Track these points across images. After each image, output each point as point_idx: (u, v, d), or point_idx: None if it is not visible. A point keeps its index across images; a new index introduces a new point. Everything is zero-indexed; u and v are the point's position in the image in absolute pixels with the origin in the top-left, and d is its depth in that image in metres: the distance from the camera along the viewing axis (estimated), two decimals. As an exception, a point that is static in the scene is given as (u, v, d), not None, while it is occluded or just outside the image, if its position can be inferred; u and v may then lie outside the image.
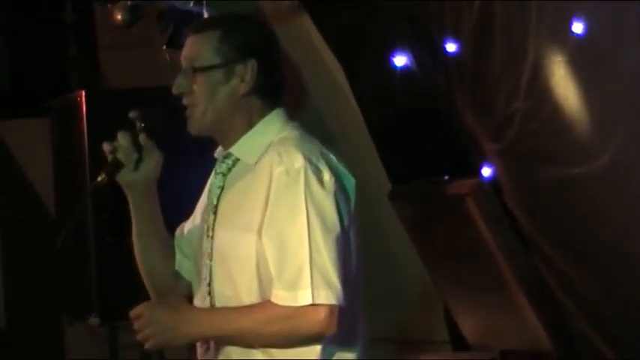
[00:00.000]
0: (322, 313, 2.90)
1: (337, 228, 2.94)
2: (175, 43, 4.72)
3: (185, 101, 3.08)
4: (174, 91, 3.08)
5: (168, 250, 3.24)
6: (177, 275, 3.24)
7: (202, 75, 3.06)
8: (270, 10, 5.18)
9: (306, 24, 5.08)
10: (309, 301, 2.89)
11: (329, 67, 5.14)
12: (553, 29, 4.11)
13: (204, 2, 4.69)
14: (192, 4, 4.71)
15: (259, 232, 2.97)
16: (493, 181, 4.49)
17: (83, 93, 4.60)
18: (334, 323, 2.91)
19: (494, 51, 4.29)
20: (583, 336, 4.37)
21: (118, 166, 3.11)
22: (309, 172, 2.94)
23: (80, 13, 5.48)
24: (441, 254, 4.85)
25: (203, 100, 3.06)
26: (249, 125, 3.08)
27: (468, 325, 4.90)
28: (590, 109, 4.08)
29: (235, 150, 3.08)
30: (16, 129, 6.42)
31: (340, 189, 2.98)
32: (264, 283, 2.98)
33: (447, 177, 4.66)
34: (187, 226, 3.26)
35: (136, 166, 3.11)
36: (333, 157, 3.03)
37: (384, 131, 5.02)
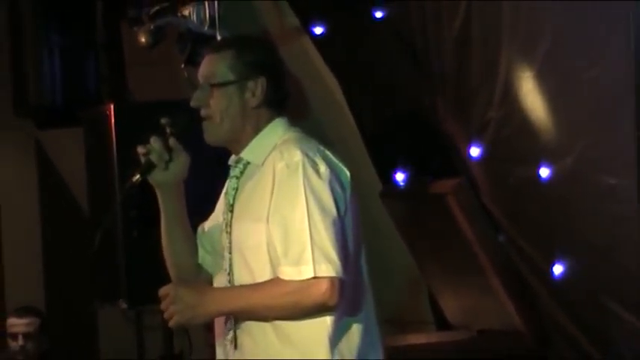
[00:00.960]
0: (324, 285, 2.92)
1: (334, 212, 2.97)
2: (193, 62, 4.73)
3: (202, 113, 3.13)
4: (193, 104, 3.13)
5: (193, 245, 3.26)
6: (199, 267, 3.25)
7: (218, 90, 3.10)
8: (275, 32, 5.21)
9: (306, 43, 5.10)
10: (311, 275, 2.92)
11: (326, 80, 5.14)
12: (523, 47, 4.14)
13: (218, 25, 4.70)
14: (206, 27, 4.72)
15: (267, 221, 3.01)
16: (471, 181, 4.53)
17: (112, 105, 4.62)
18: (336, 294, 2.93)
19: (472, 66, 4.33)
20: (550, 314, 4.40)
21: (151, 166, 3.14)
22: (307, 165, 2.98)
23: (110, 35, 5.49)
24: (426, 245, 4.89)
25: (219, 113, 3.10)
26: (257, 132, 3.13)
27: (450, 308, 4.94)
28: (556, 116, 4.11)
29: (245, 154, 3.13)
30: (54, 137, 6.44)
31: (336, 179, 3.01)
32: (275, 266, 3.01)
33: (431, 177, 4.70)
34: (208, 224, 3.29)
35: (167, 166, 3.15)
36: (329, 153, 3.06)
37: (375, 137, 5.05)
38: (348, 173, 3.06)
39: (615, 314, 4.05)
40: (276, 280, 2.99)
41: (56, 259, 6.69)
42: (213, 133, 3.13)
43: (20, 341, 5.30)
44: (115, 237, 4.59)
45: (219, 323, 3.17)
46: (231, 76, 3.10)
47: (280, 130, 3.12)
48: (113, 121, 4.55)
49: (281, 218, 2.98)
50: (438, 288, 4.96)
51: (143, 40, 4.86)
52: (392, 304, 5.07)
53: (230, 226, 3.13)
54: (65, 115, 5.39)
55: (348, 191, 3.04)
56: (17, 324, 5.35)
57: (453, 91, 4.46)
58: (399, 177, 4.87)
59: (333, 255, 2.94)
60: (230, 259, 3.11)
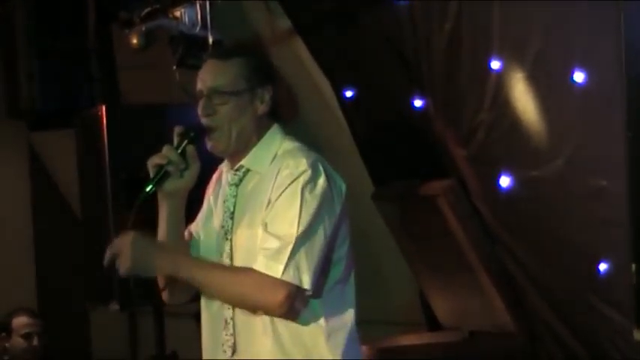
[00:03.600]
0: (283, 291, 2.92)
1: (323, 225, 2.97)
2: (184, 64, 4.73)
3: (209, 122, 3.06)
4: (203, 112, 3.05)
5: (187, 250, 3.20)
6: None
7: (230, 98, 3.05)
8: (267, 34, 5.18)
9: (299, 45, 5.07)
10: (277, 275, 2.91)
11: (318, 82, 5.12)
12: (513, 50, 4.12)
13: (209, 27, 4.68)
14: (198, 29, 4.71)
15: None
16: (462, 182, 4.51)
17: (103, 108, 4.61)
18: (291, 304, 2.93)
19: (463, 69, 4.30)
20: (540, 315, 4.38)
21: (165, 176, 3.04)
22: (309, 175, 2.98)
23: (101, 38, 5.48)
24: (418, 246, 4.85)
25: (228, 121, 3.05)
26: (259, 140, 3.10)
27: (441, 309, 4.91)
28: (544, 119, 4.08)
29: (247, 162, 3.10)
30: (47, 139, 6.42)
31: (331, 192, 3.02)
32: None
33: (422, 179, 4.67)
34: (195, 228, 3.24)
35: (182, 174, 3.07)
36: (327, 164, 3.06)
37: (367, 140, 5.02)
38: (344, 185, 3.08)
39: (602, 313, 4.04)
40: (240, 268, 3.00)
41: (48, 260, 6.67)
42: (223, 143, 3.07)
43: (35, 341, 5.25)
44: (107, 238, 4.57)
45: (212, 328, 3.12)
46: (242, 84, 3.06)
47: (279, 138, 3.11)
48: (105, 123, 4.56)
49: (274, 213, 2.97)
50: (429, 289, 4.93)
51: (134, 42, 4.85)
52: (383, 305, 5.06)
53: (231, 232, 3.08)
54: (57, 117, 5.38)
55: (342, 201, 3.05)
56: (32, 324, 5.29)
57: (443, 94, 4.43)
58: (391, 179, 4.82)
59: (306, 268, 2.93)
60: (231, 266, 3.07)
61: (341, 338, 3.05)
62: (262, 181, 3.05)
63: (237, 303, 3.01)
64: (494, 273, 4.50)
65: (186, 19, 4.71)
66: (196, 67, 4.74)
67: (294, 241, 2.93)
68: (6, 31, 5.46)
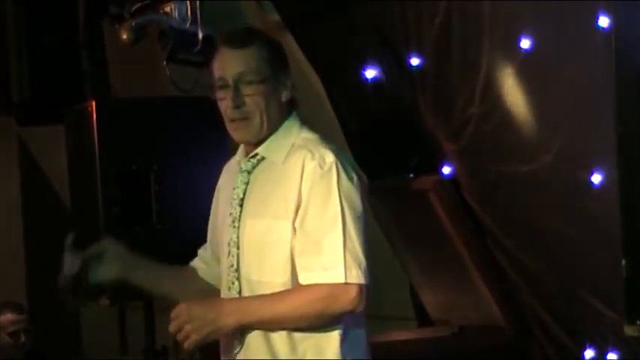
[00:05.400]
0: (353, 292, 2.86)
1: (362, 216, 2.92)
2: (174, 59, 4.72)
3: (239, 114, 2.95)
4: (232, 104, 2.93)
5: (188, 276, 3.21)
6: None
7: (259, 86, 2.93)
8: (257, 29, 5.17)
9: (289, 40, 5.06)
10: (342, 280, 2.84)
11: (308, 78, 5.11)
12: (503, 45, 4.12)
13: (199, 22, 4.67)
14: (188, 24, 4.70)
15: (293, 220, 2.90)
16: (452, 177, 4.51)
17: (94, 102, 4.59)
18: (363, 301, 2.88)
19: (453, 64, 4.30)
20: (530, 309, 4.39)
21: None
22: (339, 167, 2.91)
23: (91, 33, 5.47)
24: (408, 241, 4.85)
25: (259, 111, 2.94)
26: (276, 128, 3.00)
27: (431, 303, 4.90)
28: (535, 113, 4.09)
29: (262, 151, 2.99)
30: (37, 134, 6.41)
31: (359, 184, 2.96)
32: (295, 265, 2.92)
33: (412, 174, 4.67)
34: (204, 254, 3.22)
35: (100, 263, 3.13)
36: (342, 157, 2.99)
37: (357, 135, 5.01)
38: (365, 179, 3.02)
39: (593, 308, 4.04)
40: (302, 288, 2.88)
41: (38, 255, 6.66)
42: (253, 133, 2.96)
43: (22, 337, 5.20)
44: (97, 234, 4.57)
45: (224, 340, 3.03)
46: (268, 71, 2.94)
47: (296, 128, 3.01)
48: (95, 117, 4.53)
49: (312, 219, 2.88)
50: (419, 284, 4.93)
51: (125, 37, 4.83)
52: (373, 300, 5.05)
53: (239, 220, 2.98)
54: (47, 111, 5.37)
55: (362, 194, 2.98)
56: (18, 320, 5.24)
57: (434, 88, 4.44)
58: (381, 174, 4.84)
59: (363, 261, 2.88)
60: (237, 255, 2.98)
61: (360, 343, 2.99)
62: (283, 170, 2.94)
63: (314, 322, 2.90)
64: (485, 267, 4.50)
65: (177, 14, 4.70)
66: (186, 62, 4.77)
67: (342, 244, 2.85)
68: (-4, 23, 5.45)
